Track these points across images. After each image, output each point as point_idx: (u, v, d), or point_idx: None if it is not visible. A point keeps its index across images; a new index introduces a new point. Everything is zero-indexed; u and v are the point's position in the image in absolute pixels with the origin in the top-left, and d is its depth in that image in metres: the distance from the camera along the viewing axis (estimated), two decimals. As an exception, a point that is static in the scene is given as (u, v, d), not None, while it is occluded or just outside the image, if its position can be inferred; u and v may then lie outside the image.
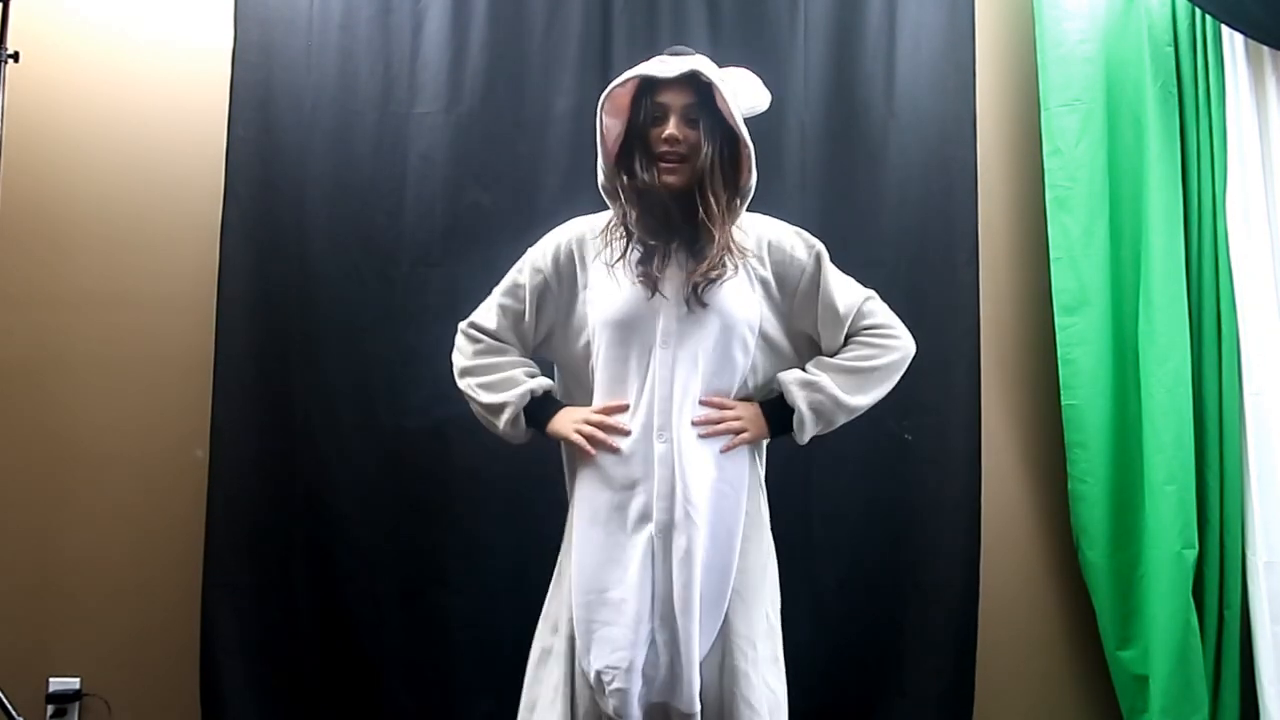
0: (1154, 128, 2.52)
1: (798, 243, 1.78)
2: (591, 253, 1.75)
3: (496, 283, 1.87)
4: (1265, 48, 2.51)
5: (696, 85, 1.66)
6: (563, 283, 1.78)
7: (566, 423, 1.73)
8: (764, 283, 1.74)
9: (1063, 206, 2.58)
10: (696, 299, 1.65)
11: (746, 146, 1.67)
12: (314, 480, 2.45)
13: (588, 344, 1.75)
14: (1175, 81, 2.56)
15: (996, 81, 2.70)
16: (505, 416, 1.74)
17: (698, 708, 1.62)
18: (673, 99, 1.66)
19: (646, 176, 1.65)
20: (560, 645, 1.69)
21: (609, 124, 1.70)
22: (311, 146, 2.48)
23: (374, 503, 2.45)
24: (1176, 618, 2.43)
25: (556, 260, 1.78)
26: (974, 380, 2.54)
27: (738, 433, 1.70)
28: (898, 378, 1.81)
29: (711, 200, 1.64)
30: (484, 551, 2.45)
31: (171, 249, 2.57)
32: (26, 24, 2.43)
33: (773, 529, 1.79)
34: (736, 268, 1.68)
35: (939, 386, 2.51)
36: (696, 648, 1.61)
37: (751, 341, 1.72)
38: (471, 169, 2.50)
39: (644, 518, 1.64)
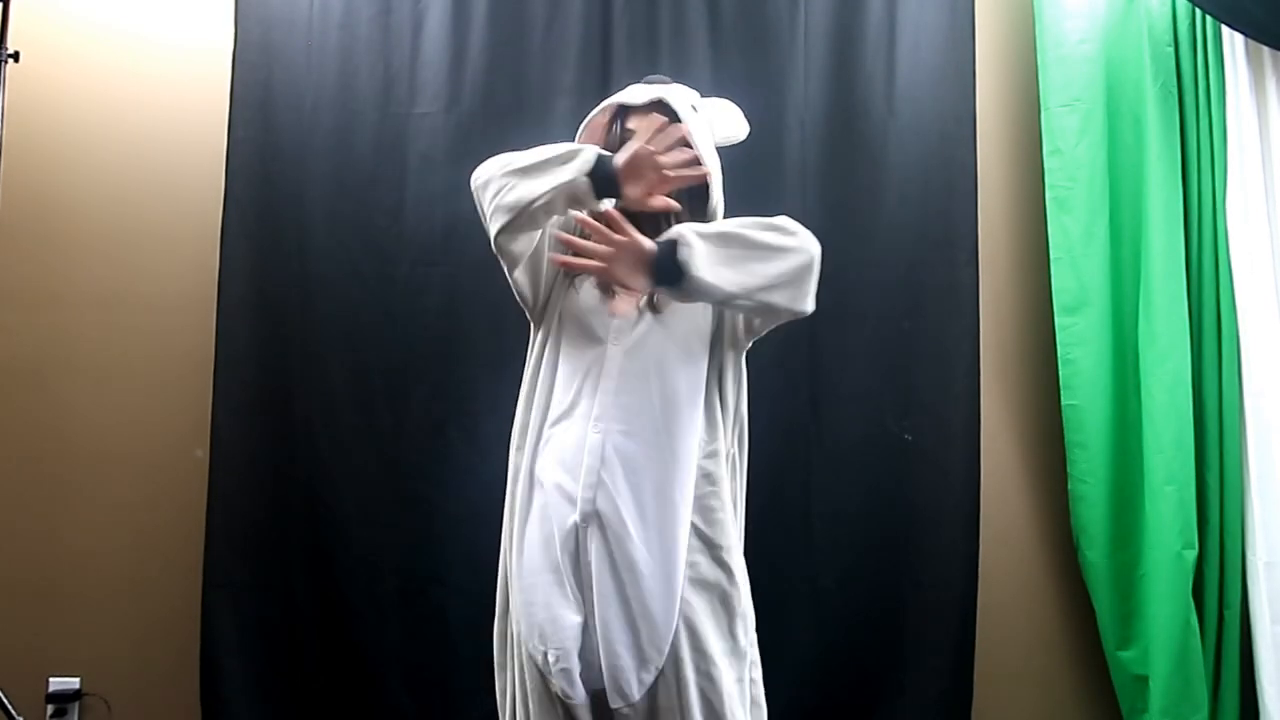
0: (1154, 128, 2.52)
1: None
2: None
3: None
4: (1265, 48, 2.51)
5: (670, 115, 1.69)
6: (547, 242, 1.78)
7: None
8: None
9: (1063, 206, 2.58)
10: (651, 306, 1.67)
11: (714, 174, 1.70)
12: (314, 480, 2.45)
13: (545, 332, 1.76)
14: (1175, 81, 2.56)
15: (996, 81, 2.70)
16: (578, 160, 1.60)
17: (619, 704, 1.61)
18: (639, 125, 1.70)
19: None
20: (511, 628, 1.73)
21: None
22: (311, 146, 2.49)
23: (374, 503, 2.45)
24: (1176, 618, 2.43)
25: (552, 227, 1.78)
26: (974, 380, 2.54)
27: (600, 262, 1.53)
28: (786, 281, 1.55)
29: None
30: (484, 551, 2.44)
31: (171, 249, 2.57)
32: (26, 24, 2.43)
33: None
34: None
35: (939, 386, 2.52)
36: (623, 640, 1.61)
37: (707, 340, 1.71)
38: (471, 169, 2.48)
39: (574, 504, 1.65)
